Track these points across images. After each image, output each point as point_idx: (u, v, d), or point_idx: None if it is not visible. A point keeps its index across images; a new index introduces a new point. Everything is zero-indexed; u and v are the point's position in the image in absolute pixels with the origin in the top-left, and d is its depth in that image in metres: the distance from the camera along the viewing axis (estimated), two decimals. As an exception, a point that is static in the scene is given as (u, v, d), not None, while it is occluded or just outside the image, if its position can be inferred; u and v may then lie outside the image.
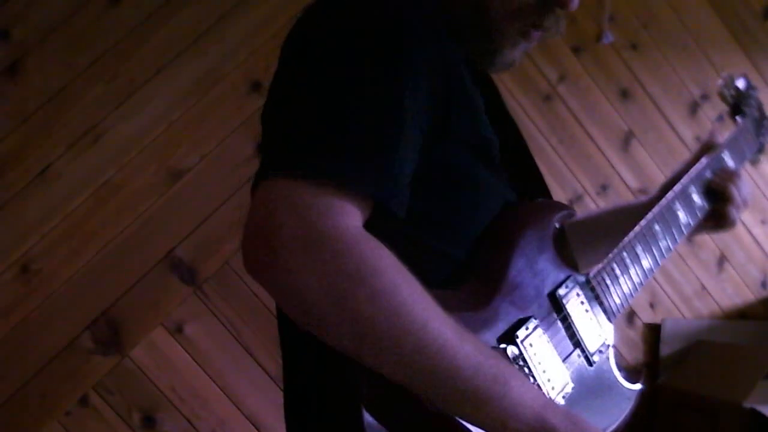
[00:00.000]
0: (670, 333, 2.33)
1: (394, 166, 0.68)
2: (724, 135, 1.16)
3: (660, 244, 1.00)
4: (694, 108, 2.39)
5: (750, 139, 1.21)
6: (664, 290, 2.35)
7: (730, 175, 1.09)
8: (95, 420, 1.88)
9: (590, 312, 0.88)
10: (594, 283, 0.90)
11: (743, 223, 2.40)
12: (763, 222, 2.44)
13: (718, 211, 1.08)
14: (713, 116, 2.39)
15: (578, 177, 2.29)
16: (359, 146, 0.67)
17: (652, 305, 2.34)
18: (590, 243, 1.04)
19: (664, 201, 1.02)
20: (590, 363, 0.86)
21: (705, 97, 2.39)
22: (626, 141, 2.34)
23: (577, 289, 0.87)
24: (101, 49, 1.90)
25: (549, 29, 0.85)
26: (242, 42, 1.99)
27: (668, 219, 1.02)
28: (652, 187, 2.35)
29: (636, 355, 2.33)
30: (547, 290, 0.84)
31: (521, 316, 0.79)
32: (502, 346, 0.76)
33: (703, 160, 1.10)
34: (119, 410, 1.89)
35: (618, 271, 0.94)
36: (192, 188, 1.95)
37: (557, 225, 0.88)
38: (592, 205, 2.30)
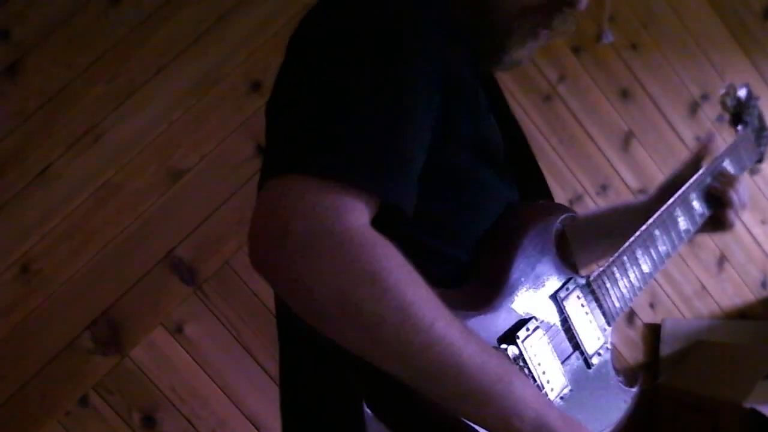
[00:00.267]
0: (670, 333, 2.33)
1: (403, 165, 0.68)
2: (723, 138, 1.17)
3: (660, 249, 1.01)
4: (694, 108, 2.39)
5: (750, 148, 1.22)
6: (664, 290, 2.35)
7: (730, 180, 1.10)
8: (95, 420, 1.88)
9: (590, 314, 0.88)
10: (594, 285, 0.91)
11: (743, 223, 2.40)
12: (763, 222, 2.45)
13: (718, 215, 1.09)
14: (713, 116, 2.39)
15: (578, 177, 2.29)
16: (367, 145, 0.67)
17: (652, 305, 2.34)
18: (589, 243, 1.04)
19: (664, 206, 1.03)
20: (588, 365, 0.86)
21: (705, 97, 2.40)
22: (626, 141, 2.34)
23: (577, 292, 0.87)
24: (101, 49, 1.90)
25: (558, 28, 0.85)
26: (242, 42, 1.99)
27: (668, 225, 1.03)
28: (652, 188, 2.35)
29: (636, 355, 2.33)
30: (548, 292, 0.84)
31: (522, 317, 0.80)
32: (503, 346, 0.76)
33: (704, 167, 1.11)
34: (119, 410, 1.89)
35: (618, 275, 0.94)
36: (192, 188, 1.95)
37: (559, 227, 0.88)
38: (592, 205, 2.30)
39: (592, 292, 0.90)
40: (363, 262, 0.62)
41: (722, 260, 2.41)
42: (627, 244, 0.96)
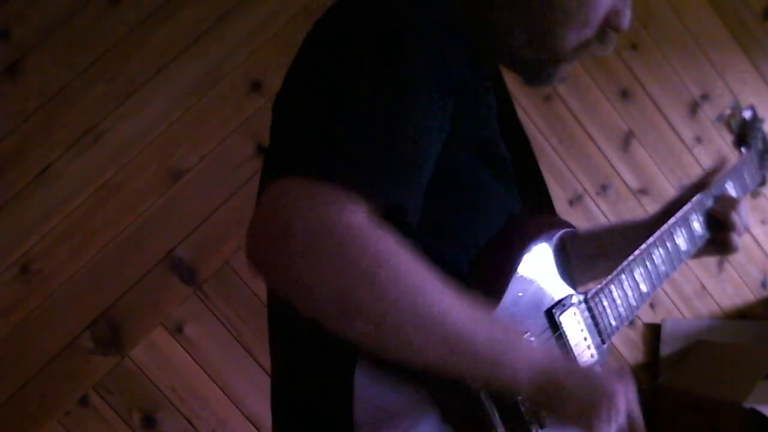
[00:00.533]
0: (670, 333, 2.33)
1: (404, 165, 0.69)
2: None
3: (659, 269, 1.01)
4: (694, 108, 2.39)
5: (753, 170, 1.22)
6: (664, 290, 2.35)
7: (732, 203, 1.09)
8: (95, 420, 1.88)
9: (585, 331, 0.88)
10: (591, 303, 0.90)
11: (743, 223, 2.40)
12: (763, 222, 2.45)
13: (721, 238, 1.09)
14: (713, 116, 2.40)
15: (578, 177, 2.29)
16: (367, 146, 0.67)
17: (652, 305, 2.34)
18: (589, 261, 1.05)
19: (665, 226, 1.03)
20: None
21: (705, 97, 2.40)
22: (626, 141, 2.34)
23: (574, 308, 0.87)
24: (101, 49, 1.90)
25: (600, 50, 0.88)
26: (242, 42, 1.99)
27: (668, 245, 1.03)
28: (652, 187, 2.36)
29: (636, 355, 2.33)
30: (544, 307, 0.84)
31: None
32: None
33: (707, 189, 1.11)
34: (119, 410, 1.89)
35: (615, 294, 0.94)
36: (192, 188, 1.95)
37: (559, 242, 0.88)
38: (592, 205, 2.30)
39: (589, 310, 0.90)
40: (362, 261, 0.63)
41: (722, 260, 2.41)
42: (626, 262, 0.96)
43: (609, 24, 0.86)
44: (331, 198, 0.64)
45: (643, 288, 0.98)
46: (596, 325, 0.90)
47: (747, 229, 1.11)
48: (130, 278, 1.90)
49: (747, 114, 1.21)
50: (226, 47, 1.97)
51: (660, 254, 1.01)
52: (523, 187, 0.94)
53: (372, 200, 0.66)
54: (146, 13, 1.92)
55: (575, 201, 2.28)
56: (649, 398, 2.24)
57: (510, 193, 0.90)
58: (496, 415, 0.74)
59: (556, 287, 0.86)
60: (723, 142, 2.39)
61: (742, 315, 2.43)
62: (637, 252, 0.98)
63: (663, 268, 1.02)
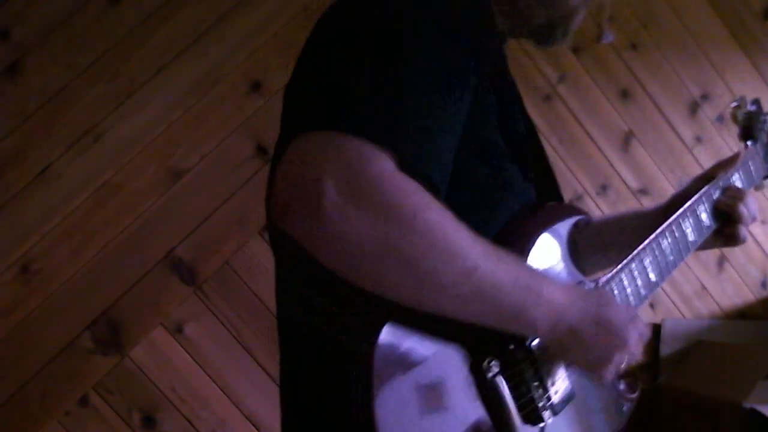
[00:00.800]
0: (670, 333, 2.33)
1: (436, 134, 0.69)
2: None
3: (668, 258, 1.01)
4: (694, 108, 2.39)
5: (759, 163, 1.22)
6: (664, 290, 2.35)
7: (739, 194, 1.10)
8: (95, 420, 1.88)
9: None
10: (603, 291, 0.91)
11: (743, 223, 2.40)
12: (763, 222, 2.45)
13: (728, 230, 1.10)
14: (713, 116, 2.40)
15: (578, 177, 2.29)
16: (407, 111, 0.67)
17: (652, 305, 2.34)
18: (598, 249, 1.05)
19: (673, 217, 1.03)
20: None
21: (705, 97, 2.40)
22: (626, 141, 2.34)
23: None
24: (101, 49, 1.90)
25: None
26: (242, 42, 1.99)
27: (677, 235, 1.03)
28: (652, 187, 2.36)
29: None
30: None
31: None
32: (512, 347, 0.77)
33: (714, 181, 1.11)
34: (119, 410, 1.89)
35: (626, 282, 0.94)
36: (192, 188, 1.95)
37: (572, 229, 0.89)
38: (592, 205, 2.30)
39: None
40: (400, 207, 0.63)
41: (722, 260, 2.41)
42: (635, 251, 0.96)
43: None
44: (360, 149, 0.64)
45: (652, 277, 0.98)
46: None
47: (754, 221, 1.11)
48: (130, 278, 1.90)
49: (752, 107, 1.21)
50: (226, 47, 1.97)
51: (668, 243, 1.02)
52: (538, 185, 0.94)
53: (398, 156, 0.66)
54: (146, 13, 1.92)
55: (575, 201, 2.28)
56: (649, 398, 2.24)
57: (526, 190, 0.90)
58: (511, 400, 0.75)
59: (569, 275, 0.86)
60: (723, 142, 2.39)
61: (742, 315, 2.43)
62: (646, 241, 0.98)
63: (671, 257, 1.02)
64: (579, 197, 2.29)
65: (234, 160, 1.98)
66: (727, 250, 2.40)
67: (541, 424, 0.78)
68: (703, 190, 1.08)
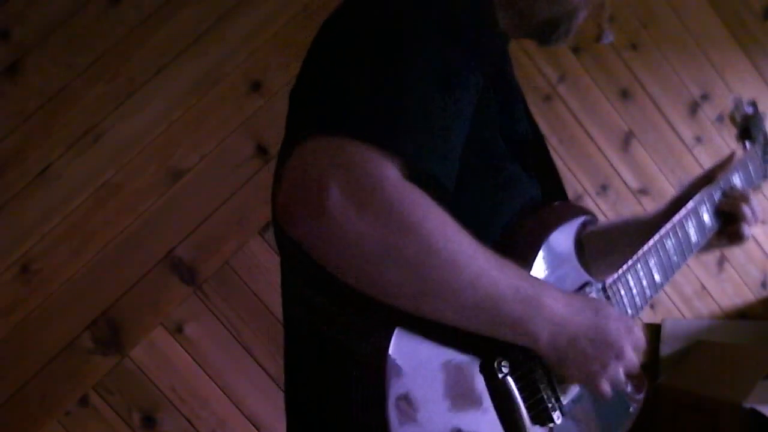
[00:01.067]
0: (670, 333, 2.33)
1: (441, 137, 0.69)
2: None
3: (672, 259, 1.02)
4: (694, 108, 2.39)
5: (757, 164, 1.22)
6: (664, 290, 2.35)
7: (742, 195, 1.10)
8: (95, 420, 1.88)
9: None
10: (609, 292, 0.91)
11: (743, 223, 2.40)
12: (763, 222, 2.44)
13: (731, 228, 1.10)
14: (713, 116, 2.40)
15: (578, 177, 2.29)
16: (406, 114, 0.67)
17: (652, 305, 2.34)
18: (601, 254, 1.05)
19: (676, 217, 1.04)
20: None
21: (705, 97, 2.40)
22: (626, 141, 2.34)
23: (593, 296, 0.87)
24: (101, 49, 1.90)
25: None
26: (242, 42, 1.99)
27: (680, 236, 1.04)
28: (652, 187, 2.36)
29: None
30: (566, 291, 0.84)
31: None
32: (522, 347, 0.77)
33: (715, 182, 1.11)
34: (119, 410, 1.89)
35: (632, 283, 0.94)
36: (192, 188, 1.95)
37: (579, 229, 0.89)
38: (592, 205, 2.30)
39: (607, 298, 0.90)
40: (404, 209, 0.63)
41: (722, 260, 2.41)
42: (641, 252, 0.96)
43: None
44: (365, 154, 0.64)
45: (657, 277, 0.98)
46: None
47: (758, 221, 1.11)
48: (130, 278, 1.90)
49: (749, 109, 1.22)
50: (226, 47, 1.97)
51: (673, 244, 1.02)
52: (543, 182, 0.94)
53: (404, 161, 0.66)
54: (146, 13, 1.92)
55: (575, 201, 2.28)
56: (649, 398, 2.24)
57: (532, 188, 0.90)
58: (521, 400, 0.76)
59: (577, 274, 0.86)
60: (723, 142, 2.39)
61: (742, 315, 2.43)
62: (650, 242, 0.98)
63: (675, 258, 1.02)
64: (579, 197, 2.29)
65: (234, 160, 1.98)
66: (727, 251, 2.40)
67: (551, 425, 0.78)
68: (703, 191, 1.08)
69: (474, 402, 0.73)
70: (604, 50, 2.30)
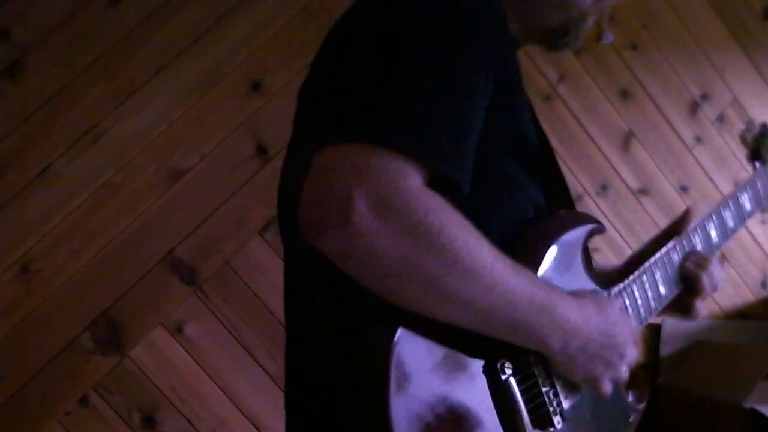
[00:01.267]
0: (670, 333, 2.33)
1: (460, 141, 0.70)
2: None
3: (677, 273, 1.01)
4: (694, 108, 2.39)
5: (767, 185, 1.22)
6: (664, 290, 2.35)
7: (703, 262, 1.02)
8: (95, 420, 1.88)
9: None
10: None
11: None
12: (763, 222, 2.45)
13: (687, 300, 1.03)
14: (713, 116, 2.40)
15: (578, 177, 2.29)
16: (428, 120, 0.68)
17: (652, 305, 2.34)
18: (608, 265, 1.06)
19: (683, 235, 1.03)
20: None
21: (705, 97, 2.40)
22: (626, 141, 2.34)
23: None
24: (101, 49, 1.90)
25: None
26: (242, 42, 1.99)
27: (686, 251, 1.03)
28: (652, 187, 2.36)
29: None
30: None
31: None
32: (526, 350, 0.77)
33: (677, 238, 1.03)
34: (119, 410, 1.89)
35: (637, 294, 0.94)
36: (192, 188, 1.95)
37: (587, 237, 0.89)
38: (592, 205, 2.30)
39: None
40: (424, 219, 0.64)
41: (722, 260, 2.41)
42: (648, 264, 0.96)
43: None
44: (388, 164, 0.65)
45: (662, 290, 0.98)
46: None
47: (715, 290, 1.05)
48: (130, 278, 1.90)
49: (760, 129, 1.23)
50: (226, 47, 1.97)
51: (679, 259, 1.01)
52: (548, 189, 0.94)
53: (426, 167, 0.67)
54: (146, 13, 1.92)
55: (575, 201, 2.28)
56: (649, 398, 2.24)
57: (539, 194, 0.90)
58: (522, 403, 0.76)
59: (582, 282, 0.87)
60: (723, 142, 2.39)
61: (742, 315, 2.43)
62: (658, 254, 0.98)
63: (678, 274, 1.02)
64: (579, 197, 2.29)
65: (234, 160, 1.98)
66: (727, 250, 2.40)
67: (551, 429, 0.78)
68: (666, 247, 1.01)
69: (476, 403, 0.73)
70: (604, 50, 2.30)
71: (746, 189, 1.16)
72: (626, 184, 2.34)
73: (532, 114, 0.96)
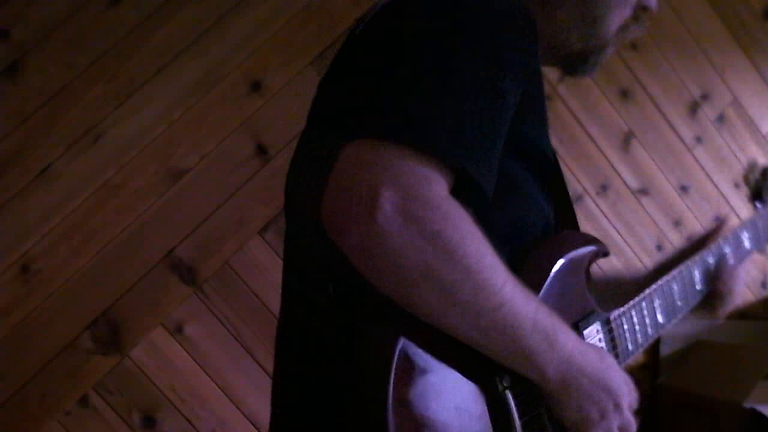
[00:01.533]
0: (670, 333, 2.33)
1: (490, 146, 0.70)
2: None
3: (676, 303, 1.03)
4: (694, 108, 2.39)
5: (767, 225, 1.23)
6: (664, 290, 2.35)
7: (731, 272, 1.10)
8: (95, 420, 1.88)
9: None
10: (614, 324, 0.91)
11: (743, 223, 2.40)
12: (763, 222, 2.44)
13: (712, 302, 1.10)
14: (713, 116, 2.40)
15: (578, 177, 2.29)
16: (457, 121, 0.68)
17: (652, 305, 2.34)
18: (610, 286, 1.06)
19: (683, 265, 1.05)
20: None
21: (705, 97, 2.40)
22: (626, 141, 2.34)
23: (597, 326, 0.88)
24: (101, 49, 1.90)
25: (634, 32, 0.95)
26: (242, 42, 1.99)
27: (686, 282, 1.05)
28: (652, 187, 2.36)
29: (636, 355, 2.33)
30: (570, 319, 0.85)
31: None
32: None
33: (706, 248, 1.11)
34: (119, 410, 1.89)
35: (635, 319, 0.95)
36: (192, 188, 1.95)
37: (590, 258, 0.89)
38: (592, 205, 2.30)
39: (610, 331, 0.91)
40: (443, 230, 0.65)
41: (722, 260, 2.41)
42: (647, 291, 0.97)
43: (642, 4, 0.92)
44: (416, 166, 0.65)
45: (660, 319, 0.99)
46: (615, 347, 0.91)
47: (734, 301, 1.12)
48: (130, 278, 1.90)
49: (762, 171, 1.24)
50: (226, 47, 1.97)
51: (678, 289, 1.03)
52: (554, 207, 0.94)
53: (453, 170, 0.67)
54: (146, 13, 1.92)
55: (575, 201, 2.28)
56: (649, 398, 2.24)
57: (542, 196, 0.90)
58: (517, 416, 0.76)
59: (583, 302, 0.87)
60: (723, 142, 2.39)
61: (742, 315, 2.43)
62: (657, 283, 0.99)
63: (679, 303, 1.04)
64: (579, 197, 2.29)
65: (234, 160, 1.98)
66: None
67: None
68: (714, 244, 1.09)
69: (471, 413, 0.73)
70: (604, 50, 2.30)
71: (746, 229, 1.17)
72: (626, 184, 2.34)
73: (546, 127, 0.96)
